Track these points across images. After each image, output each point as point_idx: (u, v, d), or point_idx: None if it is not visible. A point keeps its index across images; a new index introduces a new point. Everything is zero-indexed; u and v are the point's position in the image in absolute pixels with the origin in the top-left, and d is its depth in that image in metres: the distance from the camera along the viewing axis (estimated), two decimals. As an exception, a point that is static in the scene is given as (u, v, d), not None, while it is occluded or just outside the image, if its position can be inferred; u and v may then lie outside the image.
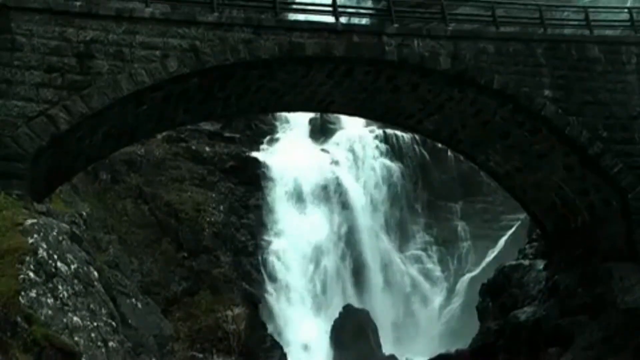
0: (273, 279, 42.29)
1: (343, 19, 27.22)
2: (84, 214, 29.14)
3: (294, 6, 27.47)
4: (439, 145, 39.60)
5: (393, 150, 49.61)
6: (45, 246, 16.18)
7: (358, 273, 44.64)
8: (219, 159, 44.52)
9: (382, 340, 41.41)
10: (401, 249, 46.82)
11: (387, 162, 48.98)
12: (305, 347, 40.84)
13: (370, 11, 40.24)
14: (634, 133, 27.01)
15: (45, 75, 21.64)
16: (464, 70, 25.89)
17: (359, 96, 27.71)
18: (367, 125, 49.13)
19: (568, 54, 27.34)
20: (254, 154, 46.53)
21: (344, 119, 47.62)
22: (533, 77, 26.55)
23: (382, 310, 43.42)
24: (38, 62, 21.67)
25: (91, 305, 16.38)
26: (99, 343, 15.59)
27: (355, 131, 49.83)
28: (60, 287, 15.68)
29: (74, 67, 21.97)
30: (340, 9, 26.61)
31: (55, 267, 15.98)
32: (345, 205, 46.16)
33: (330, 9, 26.31)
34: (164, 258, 37.22)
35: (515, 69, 26.42)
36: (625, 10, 31.13)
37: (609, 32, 29.47)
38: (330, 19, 26.26)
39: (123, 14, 22.98)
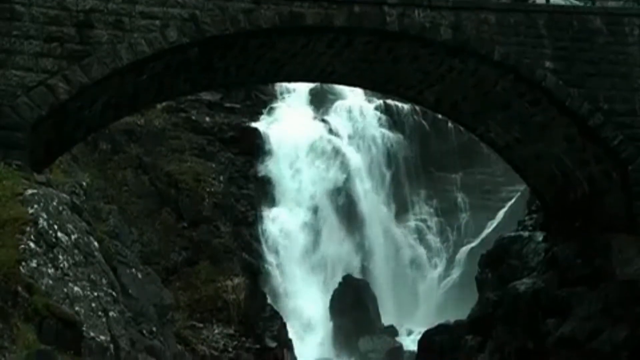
0: (272, 249, 42.45)
1: (344, -11, 27.00)
2: (84, 184, 29.09)
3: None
4: (440, 116, 39.52)
5: (393, 120, 49.58)
6: (45, 216, 16.17)
7: (357, 244, 44.80)
8: (218, 129, 44.43)
9: (381, 311, 41.67)
10: (401, 219, 46.95)
11: (387, 132, 48.95)
12: (305, 318, 41.07)
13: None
14: (635, 105, 26.92)
15: (45, 45, 21.50)
16: (465, 41, 25.75)
17: (359, 66, 27.59)
18: (368, 95, 49.05)
19: (570, 25, 27.16)
20: (254, 124, 46.47)
21: (345, 90, 47.50)
22: (534, 48, 26.40)
23: (382, 280, 43.65)
24: (37, 31, 21.52)
25: (92, 275, 16.40)
26: (100, 313, 15.64)
27: (355, 102, 49.78)
28: (60, 257, 15.68)
29: (74, 37, 21.82)
30: (341, -21, 26.40)
31: (56, 237, 15.97)
32: (345, 175, 46.21)
33: (331, -22, 26.11)
34: (164, 228, 37.25)
35: (516, 39, 26.24)
36: (628, -19, 30.95)
37: (611, 3, 29.27)
38: (331, -12, 26.06)
39: (122, -18, 22.82)
